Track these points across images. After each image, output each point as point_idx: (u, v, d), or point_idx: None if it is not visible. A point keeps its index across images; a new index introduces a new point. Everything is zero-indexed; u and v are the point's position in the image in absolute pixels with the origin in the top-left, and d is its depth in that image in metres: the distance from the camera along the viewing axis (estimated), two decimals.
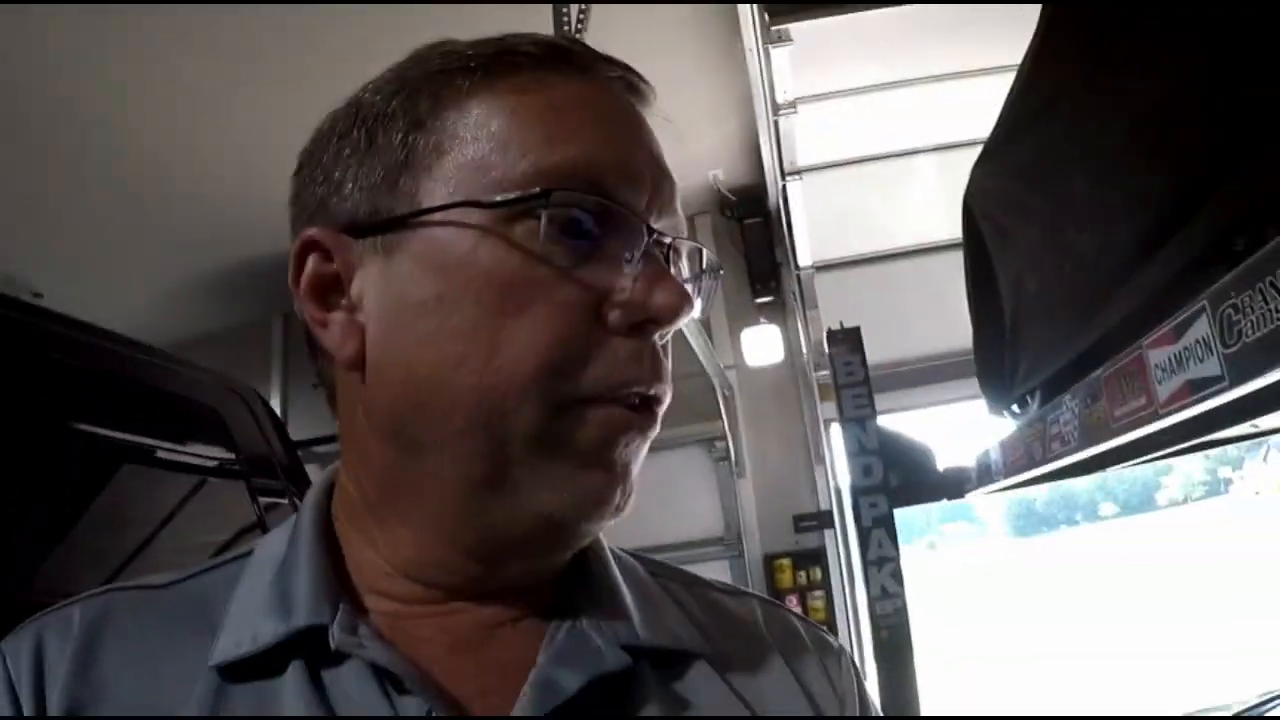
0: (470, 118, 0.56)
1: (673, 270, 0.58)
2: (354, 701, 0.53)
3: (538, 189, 0.53)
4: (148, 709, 0.53)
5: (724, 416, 4.82)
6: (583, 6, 2.45)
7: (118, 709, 0.53)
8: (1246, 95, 1.03)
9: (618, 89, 0.60)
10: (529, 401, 0.53)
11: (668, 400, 0.58)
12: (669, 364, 0.59)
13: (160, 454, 1.93)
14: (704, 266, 0.64)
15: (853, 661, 0.69)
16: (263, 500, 2.08)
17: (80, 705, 0.53)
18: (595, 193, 0.54)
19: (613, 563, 0.64)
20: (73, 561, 1.67)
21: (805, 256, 4.49)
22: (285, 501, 2.15)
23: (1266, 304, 0.87)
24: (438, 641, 0.57)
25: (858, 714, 0.66)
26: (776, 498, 4.68)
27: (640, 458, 0.58)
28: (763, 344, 4.84)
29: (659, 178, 0.58)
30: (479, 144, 0.55)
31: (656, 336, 0.56)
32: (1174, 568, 22.85)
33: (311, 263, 0.59)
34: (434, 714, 0.52)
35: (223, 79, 3.45)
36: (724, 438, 4.87)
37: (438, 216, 0.54)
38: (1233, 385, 0.97)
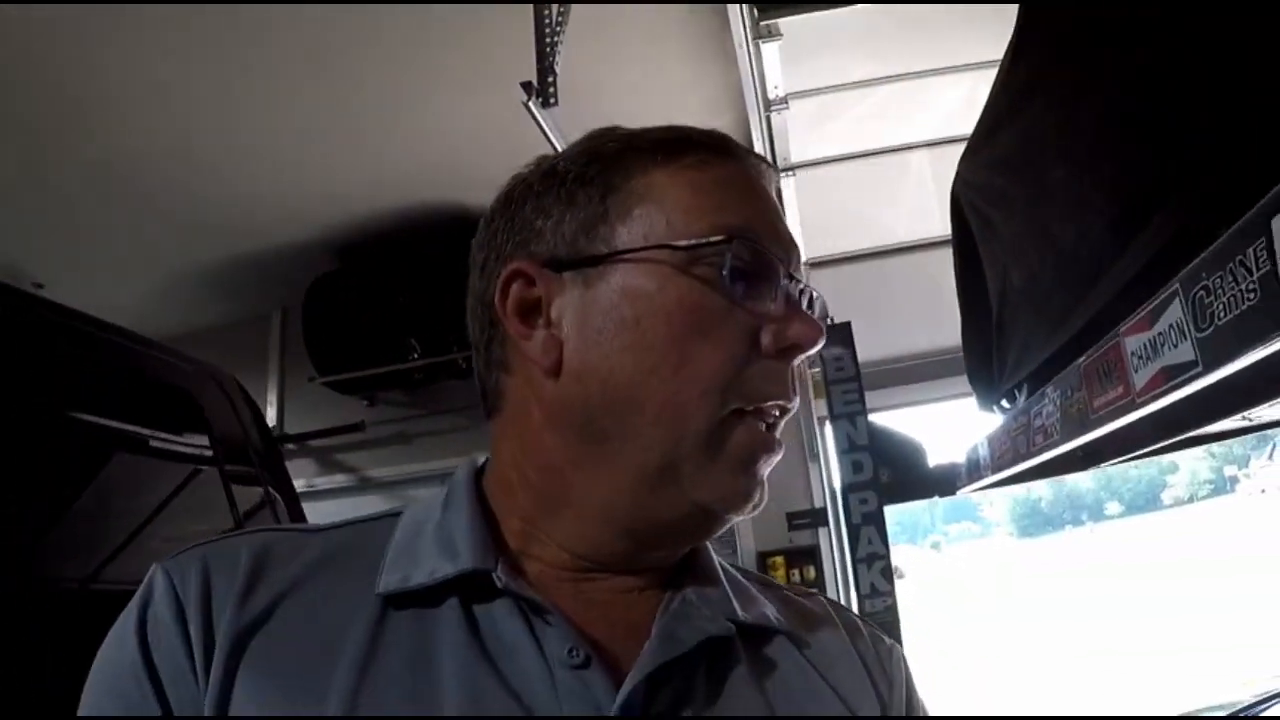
0: (656, 184, 0.71)
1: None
2: (501, 632, 0.65)
3: (722, 237, 0.68)
4: (315, 628, 0.63)
5: None
6: (561, 7, 2.43)
7: (287, 628, 0.63)
8: (1218, 78, 1.01)
9: (760, 171, 0.76)
10: (704, 406, 0.67)
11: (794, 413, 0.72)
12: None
13: (154, 444, 1.96)
14: (823, 312, 0.77)
15: (904, 658, 0.81)
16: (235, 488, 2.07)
17: (252, 623, 0.63)
18: (748, 247, 0.69)
19: (715, 555, 0.79)
20: (64, 547, 1.70)
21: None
22: (260, 490, 2.14)
23: (1237, 284, 0.85)
24: (573, 599, 0.69)
25: (905, 698, 0.78)
26: (770, 495, 4.65)
27: (770, 467, 0.71)
28: None
29: (792, 241, 0.73)
30: (664, 204, 0.70)
31: (795, 361, 0.71)
32: (1179, 566, 22.79)
33: (516, 289, 0.72)
34: (574, 648, 0.63)
35: (226, 75, 3.45)
36: None
37: (634, 257, 0.69)
38: (1207, 370, 0.95)
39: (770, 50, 3.36)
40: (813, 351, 0.71)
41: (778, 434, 0.71)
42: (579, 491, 0.70)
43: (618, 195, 0.71)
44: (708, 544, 0.78)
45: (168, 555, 0.67)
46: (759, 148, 4.02)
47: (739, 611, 0.72)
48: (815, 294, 0.75)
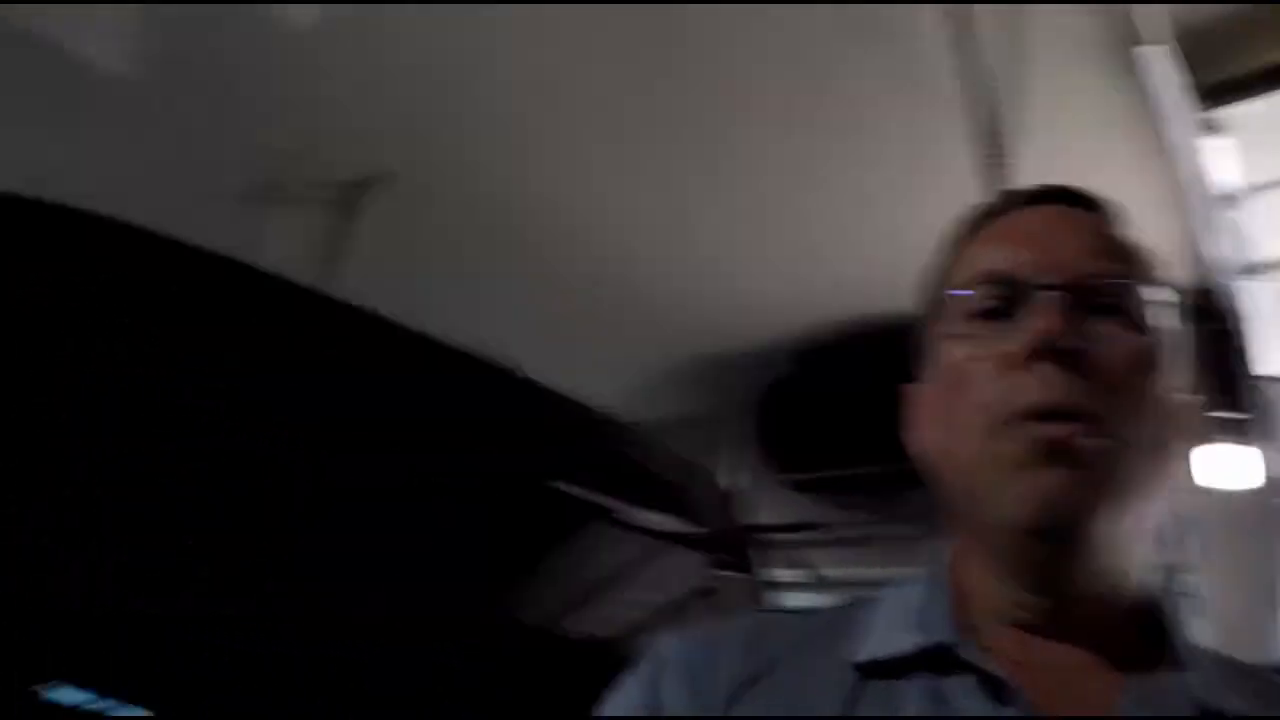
0: (958, 265, 0.77)
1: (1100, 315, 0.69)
2: (964, 709, 0.65)
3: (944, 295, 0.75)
4: (797, 691, 0.69)
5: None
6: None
7: (772, 690, 0.70)
8: None
9: (1049, 209, 0.76)
10: (973, 434, 0.68)
11: (1098, 406, 0.66)
12: (1099, 387, 0.66)
13: (623, 518, 2.17)
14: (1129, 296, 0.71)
15: None
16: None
17: (743, 684, 0.70)
18: (998, 283, 0.71)
19: (1185, 630, 0.72)
20: (533, 598, 1.93)
21: (1270, 364, 3.94)
22: (735, 574, 2.27)
23: None
24: (1033, 671, 0.66)
25: None
26: (1238, 644, 4.04)
27: (1092, 460, 0.65)
28: (1227, 465, 4.22)
29: (1047, 245, 0.71)
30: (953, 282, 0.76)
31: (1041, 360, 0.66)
32: None
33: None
34: None
35: (692, 192, 3.83)
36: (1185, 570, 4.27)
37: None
38: None
39: (1216, 145, 3.10)
40: (1053, 343, 0.66)
41: (1062, 432, 0.65)
42: (978, 551, 0.73)
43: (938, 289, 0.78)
44: (1178, 621, 0.72)
45: (677, 631, 0.78)
46: (1214, 248, 3.64)
47: (1210, 698, 0.65)
48: (1115, 286, 0.71)
